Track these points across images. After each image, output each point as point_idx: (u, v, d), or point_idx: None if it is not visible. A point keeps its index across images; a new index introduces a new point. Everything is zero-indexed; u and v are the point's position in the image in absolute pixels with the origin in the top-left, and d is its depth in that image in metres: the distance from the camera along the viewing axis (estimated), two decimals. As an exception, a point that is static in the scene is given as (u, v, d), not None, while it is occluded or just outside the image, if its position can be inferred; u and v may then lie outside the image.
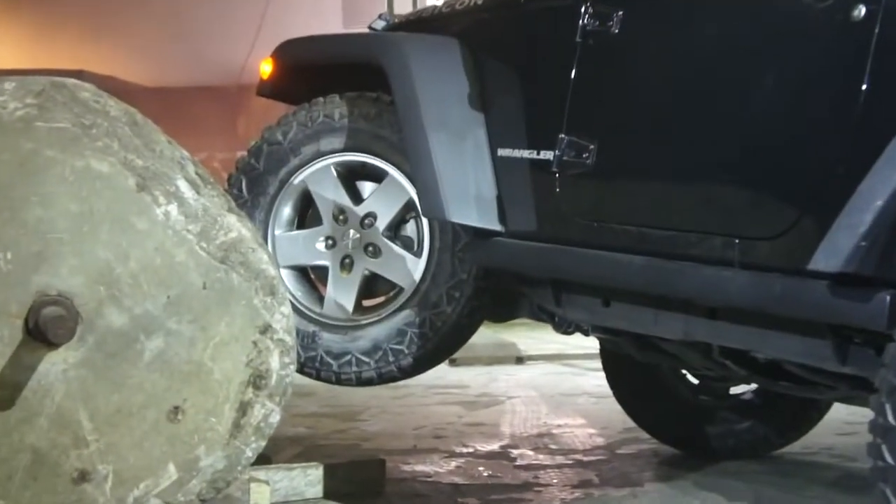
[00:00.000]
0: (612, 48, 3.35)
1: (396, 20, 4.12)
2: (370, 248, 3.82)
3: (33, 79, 2.86)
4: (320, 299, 3.89)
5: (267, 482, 3.25)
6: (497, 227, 3.56)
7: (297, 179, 3.88)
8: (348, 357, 3.81)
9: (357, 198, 3.87)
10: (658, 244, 3.15)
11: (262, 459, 3.26)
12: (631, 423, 4.74)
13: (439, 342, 3.77)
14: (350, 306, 3.84)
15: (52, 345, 2.76)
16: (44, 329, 2.73)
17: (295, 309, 3.81)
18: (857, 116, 2.77)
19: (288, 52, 4.06)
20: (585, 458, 4.64)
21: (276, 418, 2.94)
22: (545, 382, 6.33)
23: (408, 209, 3.79)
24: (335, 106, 3.87)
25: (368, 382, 3.80)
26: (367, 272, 3.83)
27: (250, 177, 3.89)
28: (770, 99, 2.96)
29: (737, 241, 2.96)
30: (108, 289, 2.81)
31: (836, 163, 2.78)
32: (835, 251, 2.67)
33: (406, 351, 3.76)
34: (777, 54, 2.96)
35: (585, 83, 3.41)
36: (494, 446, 4.79)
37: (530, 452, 4.75)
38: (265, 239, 3.85)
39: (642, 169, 3.26)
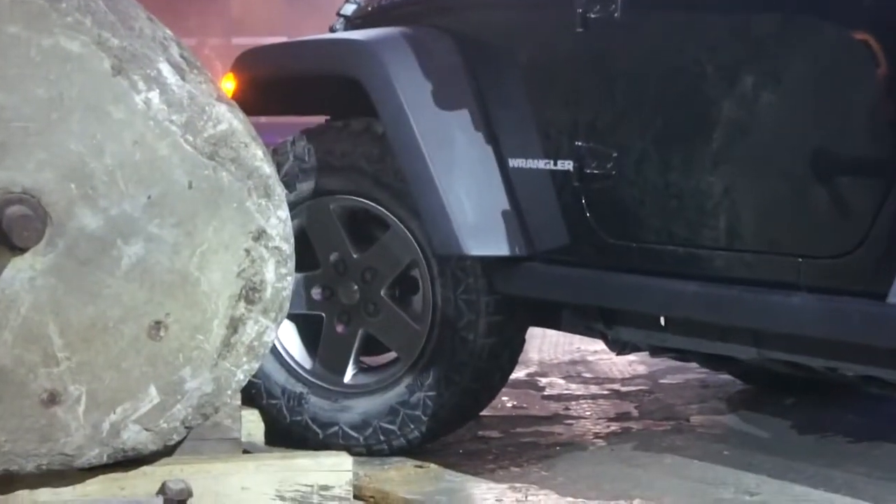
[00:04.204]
0: (637, 36, 3.28)
1: (368, 5, 3.99)
2: (371, 307, 3.79)
3: (-8, -55, 2.83)
4: (314, 354, 3.89)
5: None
6: (524, 251, 3.50)
7: (294, 217, 3.81)
8: (335, 429, 3.81)
9: (362, 245, 3.82)
10: (709, 267, 3.14)
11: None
12: None
13: (435, 427, 3.75)
14: (343, 369, 3.83)
15: (17, 249, 2.77)
16: (7, 230, 2.73)
17: (283, 363, 3.83)
18: None
19: (249, 66, 3.98)
20: (623, 389, 4.68)
21: (271, 336, 2.95)
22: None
23: (413, 267, 3.74)
24: (336, 140, 3.80)
25: (359, 455, 3.75)
26: (363, 332, 3.82)
27: None
28: (836, 91, 2.94)
29: (800, 259, 2.95)
30: (80, 186, 2.80)
31: None
32: None
33: (398, 432, 3.75)
34: (846, 47, 2.92)
35: (605, 81, 3.34)
36: (521, 374, 4.79)
37: (561, 381, 4.80)
38: None
39: (678, 180, 3.21)
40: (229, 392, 2.95)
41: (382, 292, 3.77)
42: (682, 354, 3.67)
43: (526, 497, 3.39)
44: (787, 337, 3.12)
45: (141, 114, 2.83)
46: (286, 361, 3.88)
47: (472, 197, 3.51)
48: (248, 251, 2.91)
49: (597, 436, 4.05)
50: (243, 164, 2.91)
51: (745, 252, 3.08)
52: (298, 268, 3.81)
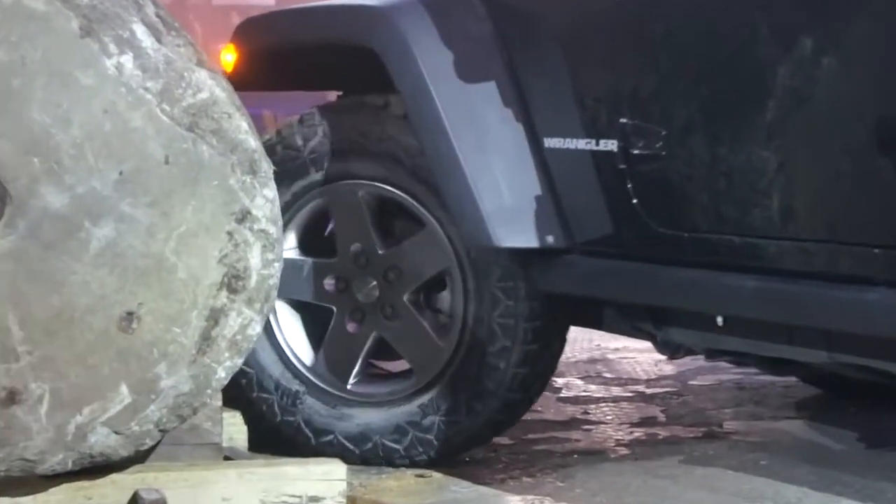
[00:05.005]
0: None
1: None
2: (389, 309, 3.67)
3: None
4: (317, 350, 3.78)
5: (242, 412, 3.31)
6: (562, 242, 3.41)
7: (316, 198, 3.72)
8: (330, 437, 3.70)
9: (388, 238, 3.70)
10: (773, 259, 3.06)
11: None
12: None
13: (446, 451, 3.64)
14: (348, 373, 3.72)
15: (-28, 231, 2.76)
16: (-40, 209, 2.74)
17: (280, 355, 3.73)
18: None
19: (252, 35, 3.90)
20: (648, 390, 4.67)
21: (256, 329, 2.92)
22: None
23: (444, 275, 3.63)
24: (373, 122, 3.66)
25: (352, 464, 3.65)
26: (377, 335, 3.70)
27: None
28: None
29: (876, 250, 2.88)
30: (44, 161, 2.78)
31: None
32: None
33: (402, 452, 3.65)
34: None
35: (653, 48, 3.24)
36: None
37: (579, 382, 4.79)
38: None
39: (735, 161, 3.12)
40: (209, 391, 2.92)
41: (405, 297, 3.65)
42: (742, 358, 3.58)
43: (540, 510, 3.39)
44: (861, 338, 3.04)
45: (112, 80, 2.80)
46: (284, 353, 3.77)
47: (502, 181, 3.42)
48: (230, 234, 2.87)
49: (619, 443, 4.00)
50: (226, 136, 2.87)
51: (813, 242, 3.00)
52: (313, 252, 3.69)
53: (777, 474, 3.56)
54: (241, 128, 2.89)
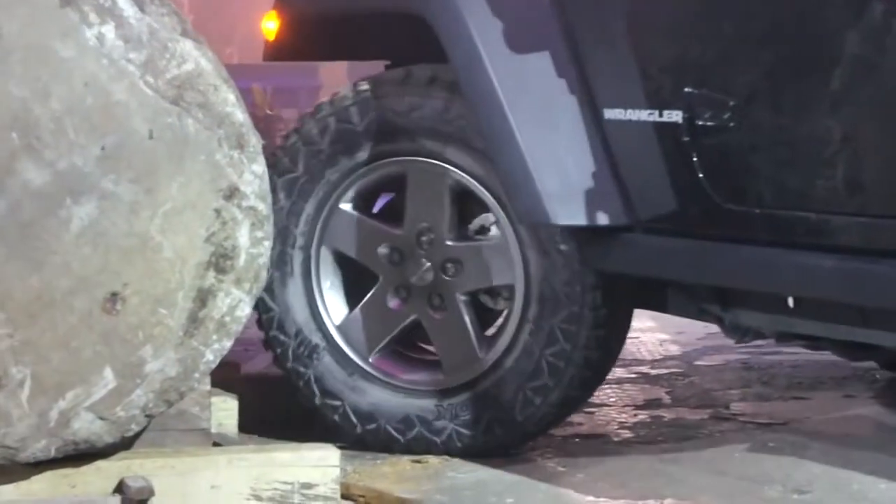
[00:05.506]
0: None
1: None
2: (438, 300, 3.58)
3: None
4: (351, 307, 3.69)
5: (234, 396, 3.28)
6: (623, 220, 3.32)
7: (390, 166, 3.63)
8: (337, 403, 3.63)
9: (460, 229, 3.60)
10: (849, 237, 2.98)
11: (228, 368, 3.27)
12: (715, 329, 4.63)
13: (450, 454, 3.56)
14: (374, 345, 3.64)
15: (-52, 208, 2.77)
16: (-64, 187, 2.75)
17: (310, 302, 3.65)
18: None
19: (296, 2, 3.83)
20: (653, 372, 4.65)
21: (245, 310, 2.91)
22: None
23: (504, 290, 3.54)
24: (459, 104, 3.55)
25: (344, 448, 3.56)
26: (415, 319, 3.62)
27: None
28: None
29: None
30: (22, 136, 2.77)
31: None
32: None
33: (402, 444, 3.58)
34: None
35: (721, 11, 3.16)
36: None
37: None
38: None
39: (809, 132, 3.03)
40: (197, 375, 2.90)
41: (460, 296, 3.57)
42: (815, 342, 3.52)
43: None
44: None
45: (93, 51, 2.80)
46: (315, 303, 3.68)
47: (559, 155, 3.33)
48: (218, 212, 2.87)
49: (622, 426, 3.98)
50: (212, 110, 2.87)
51: (893, 219, 2.92)
52: (361, 293, 3.66)
53: (786, 456, 3.54)
54: (229, 100, 2.88)
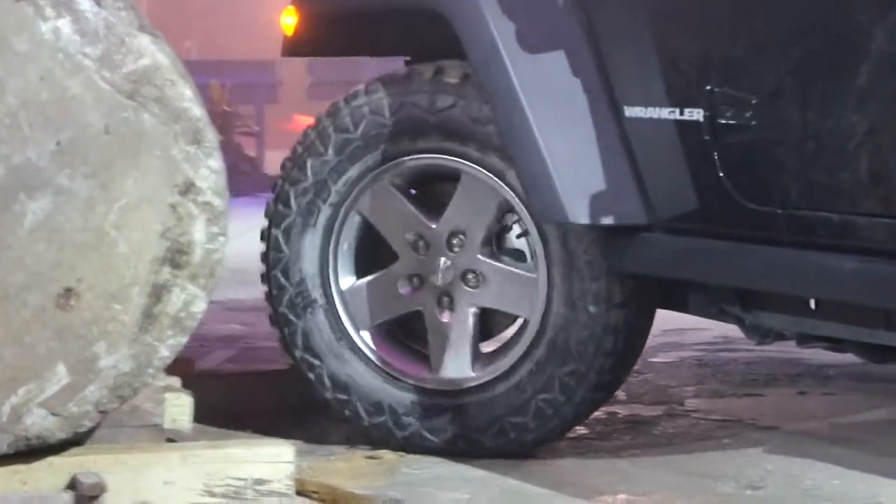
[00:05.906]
0: None
1: None
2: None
3: None
4: (358, 275, 3.68)
5: (189, 392, 3.23)
6: (642, 219, 3.31)
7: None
8: (315, 362, 3.62)
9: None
10: (872, 238, 2.97)
11: (182, 364, 3.21)
12: (672, 325, 4.70)
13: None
14: (372, 318, 3.64)
15: None
16: None
17: (322, 256, 3.63)
18: None
19: (313, 1, 3.82)
20: None
21: (200, 306, 2.90)
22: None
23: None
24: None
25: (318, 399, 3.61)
26: (417, 310, 3.60)
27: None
28: None
29: None
30: None
31: None
32: None
33: (365, 425, 3.58)
34: None
35: (743, 7, 3.15)
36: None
37: None
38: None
39: (832, 131, 3.01)
40: (151, 371, 2.89)
41: (471, 307, 3.55)
42: (837, 344, 3.47)
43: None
44: None
45: (48, 45, 2.79)
46: (327, 259, 3.65)
47: (579, 154, 3.32)
48: (173, 207, 2.86)
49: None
50: (169, 105, 2.86)
51: None
52: (374, 267, 3.64)
53: (740, 453, 3.55)
54: (185, 95, 2.87)
